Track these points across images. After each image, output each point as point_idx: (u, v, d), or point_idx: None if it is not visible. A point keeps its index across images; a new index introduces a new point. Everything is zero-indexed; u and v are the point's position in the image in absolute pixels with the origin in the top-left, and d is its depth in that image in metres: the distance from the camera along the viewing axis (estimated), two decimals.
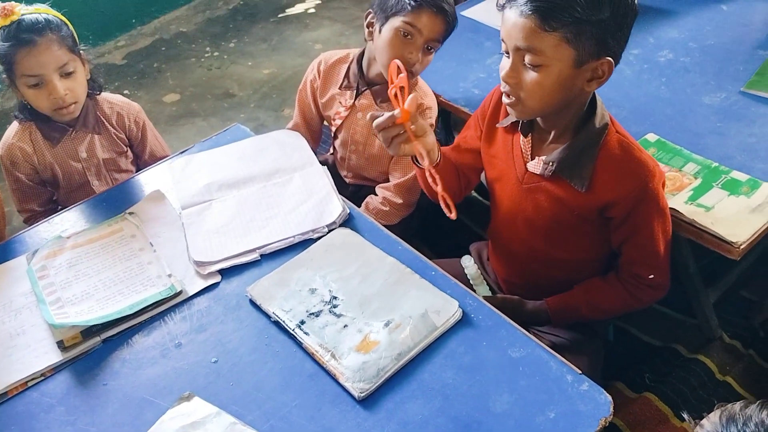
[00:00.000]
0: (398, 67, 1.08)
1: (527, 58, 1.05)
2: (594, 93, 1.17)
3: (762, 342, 1.57)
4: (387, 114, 1.10)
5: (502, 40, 1.09)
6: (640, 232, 1.21)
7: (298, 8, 3.48)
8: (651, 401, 1.45)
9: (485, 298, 1.31)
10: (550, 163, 1.18)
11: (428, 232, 1.94)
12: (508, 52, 1.09)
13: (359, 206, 1.69)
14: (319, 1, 3.54)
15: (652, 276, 1.24)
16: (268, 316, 1.14)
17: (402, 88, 1.09)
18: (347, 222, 1.33)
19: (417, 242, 1.90)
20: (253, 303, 1.16)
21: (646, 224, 1.20)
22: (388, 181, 1.71)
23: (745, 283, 1.73)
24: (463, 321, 1.11)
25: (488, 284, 1.49)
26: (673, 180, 1.40)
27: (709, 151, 1.47)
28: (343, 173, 1.83)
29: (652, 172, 1.16)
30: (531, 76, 1.07)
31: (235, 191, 1.40)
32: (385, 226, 1.68)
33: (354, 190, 1.81)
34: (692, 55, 1.82)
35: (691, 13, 2.02)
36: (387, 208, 1.67)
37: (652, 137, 1.53)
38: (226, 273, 1.24)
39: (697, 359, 1.54)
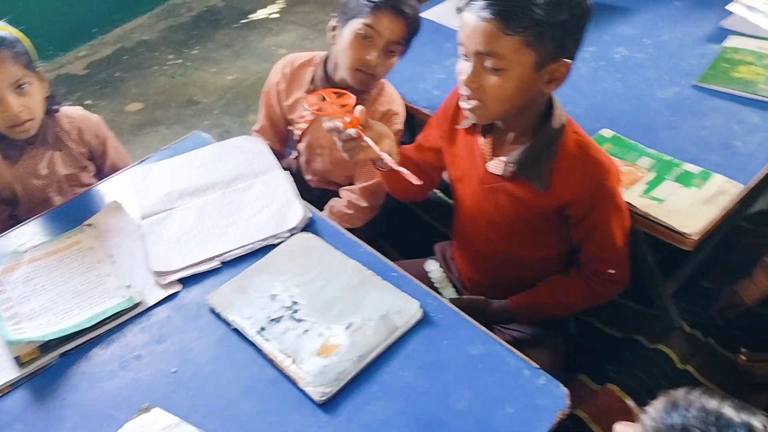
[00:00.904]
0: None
1: (488, 63, 1.06)
2: (551, 94, 1.19)
3: (720, 330, 1.60)
4: (337, 122, 1.14)
5: (461, 44, 1.10)
6: (598, 229, 1.23)
7: (261, 13, 3.47)
8: (614, 393, 1.47)
9: (451, 300, 1.32)
10: (510, 164, 1.20)
11: (394, 232, 1.95)
12: (467, 56, 1.10)
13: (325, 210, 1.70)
14: (283, 6, 3.53)
15: (611, 271, 1.27)
16: (228, 324, 1.13)
17: (340, 95, 1.14)
18: (309, 226, 1.33)
19: (383, 243, 1.92)
20: (213, 311, 1.16)
21: (604, 221, 1.22)
22: (353, 184, 1.71)
23: (704, 273, 1.77)
24: (424, 321, 1.12)
25: (453, 283, 1.50)
26: (627, 174, 1.43)
27: (662, 144, 1.50)
28: (308, 177, 1.83)
29: (608, 171, 1.18)
30: (492, 80, 1.07)
31: (195, 199, 1.40)
32: (349, 229, 1.70)
33: (319, 195, 1.81)
34: (646, 51, 1.85)
35: (645, 9, 2.05)
36: (352, 212, 1.68)
37: (607, 133, 1.56)
38: (186, 282, 1.23)
39: (658, 349, 1.57)
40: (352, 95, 1.20)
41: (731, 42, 1.80)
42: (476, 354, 1.06)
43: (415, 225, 1.97)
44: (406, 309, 1.13)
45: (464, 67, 1.09)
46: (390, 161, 1.16)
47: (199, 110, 2.80)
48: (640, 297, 1.68)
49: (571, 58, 1.10)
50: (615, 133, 1.55)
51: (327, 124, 1.18)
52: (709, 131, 1.53)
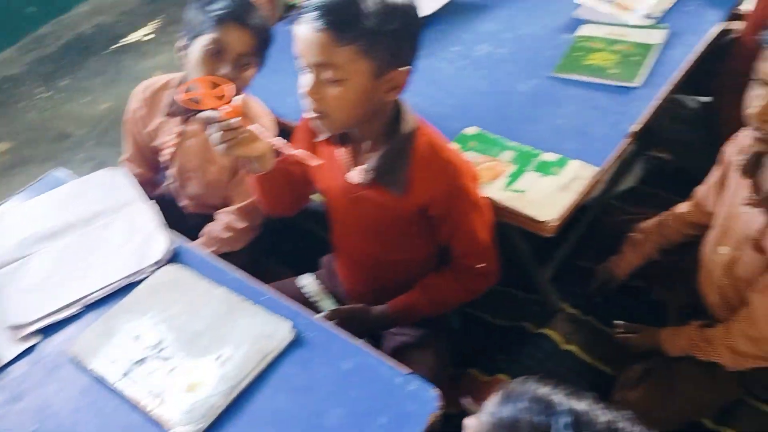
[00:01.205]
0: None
1: (327, 74, 1.06)
2: (398, 99, 1.21)
3: (598, 307, 1.68)
4: (212, 111, 1.11)
5: (299, 57, 1.10)
6: (460, 227, 1.26)
7: (134, 36, 3.36)
8: (503, 382, 1.50)
9: (331, 312, 1.32)
10: (367, 172, 1.21)
11: (283, 249, 1.93)
12: (306, 68, 1.10)
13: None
14: (158, 26, 3.43)
15: (480, 265, 1.30)
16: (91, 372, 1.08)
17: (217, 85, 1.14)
18: (176, 257, 1.29)
19: (271, 262, 1.90)
20: (75, 360, 1.10)
21: (464, 219, 1.25)
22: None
23: (580, 254, 1.84)
24: (297, 341, 1.11)
25: (338, 296, 1.50)
26: (491, 169, 1.47)
27: (523, 136, 1.56)
28: (184, 203, 1.78)
29: (460, 170, 1.22)
30: (333, 91, 1.08)
31: (53, 243, 1.33)
32: (232, 252, 1.66)
33: (198, 221, 1.76)
34: (507, 45, 1.91)
35: (504, 5, 2.12)
36: (230, 234, 1.64)
37: (472, 130, 1.60)
38: (47, 331, 1.17)
39: (543, 333, 1.63)
40: (230, 84, 1.17)
41: (583, 31, 1.89)
42: (348, 368, 1.06)
43: (304, 239, 1.95)
44: (277, 332, 1.11)
45: (305, 80, 1.09)
46: (283, 145, 1.15)
47: (72, 144, 2.67)
48: (524, 284, 1.73)
49: (409, 65, 1.12)
50: (479, 129, 1.60)
51: (202, 114, 1.13)
52: (566, 119, 1.59)
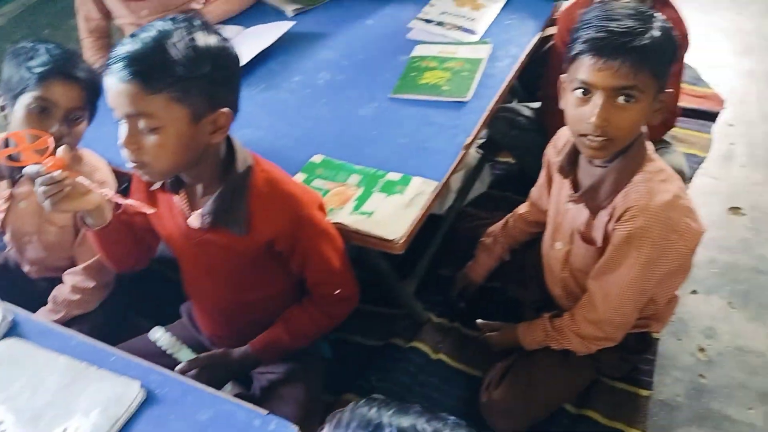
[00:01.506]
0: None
1: (141, 123, 1.04)
2: (231, 138, 1.20)
3: (463, 312, 1.75)
4: (36, 166, 1.06)
5: (112, 108, 1.07)
6: (311, 257, 1.27)
7: None
8: None
9: (188, 363, 1.28)
10: (206, 215, 1.19)
11: (144, 302, 1.86)
12: (121, 119, 1.07)
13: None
14: None
15: (338, 291, 1.32)
16: None
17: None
18: (13, 330, 1.20)
19: (132, 316, 1.82)
20: None
21: (313, 249, 1.27)
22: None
23: (441, 263, 1.92)
24: (149, 400, 1.07)
25: (201, 344, 1.47)
26: (339, 195, 1.50)
27: (368, 159, 1.60)
28: (27, 269, 1.67)
29: (301, 201, 1.23)
30: (150, 139, 1.05)
31: None
32: (86, 314, 1.57)
33: (45, 285, 1.65)
34: (346, 72, 1.97)
35: (341, 32, 2.19)
36: (79, 296, 1.56)
37: (318, 158, 1.62)
38: None
39: (413, 347, 1.67)
40: (50, 136, 1.13)
41: (417, 51, 1.98)
42: (205, 419, 1.03)
43: (165, 287, 1.88)
44: (126, 394, 1.06)
45: (121, 131, 1.06)
46: (114, 195, 1.12)
47: None
48: (389, 301, 1.77)
49: (232, 105, 1.12)
50: (324, 156, 1.63)
51: (27, 169, 1.08)
52: (407, 138, 1.66)
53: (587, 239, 1.32)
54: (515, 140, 2.07)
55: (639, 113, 1.13)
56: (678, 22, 1.71)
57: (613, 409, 1.50)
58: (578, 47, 1.13)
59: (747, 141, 2.31)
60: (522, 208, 1.65)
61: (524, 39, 1.99)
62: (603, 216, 1.25)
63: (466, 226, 1.86)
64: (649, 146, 1.24)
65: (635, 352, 1.50)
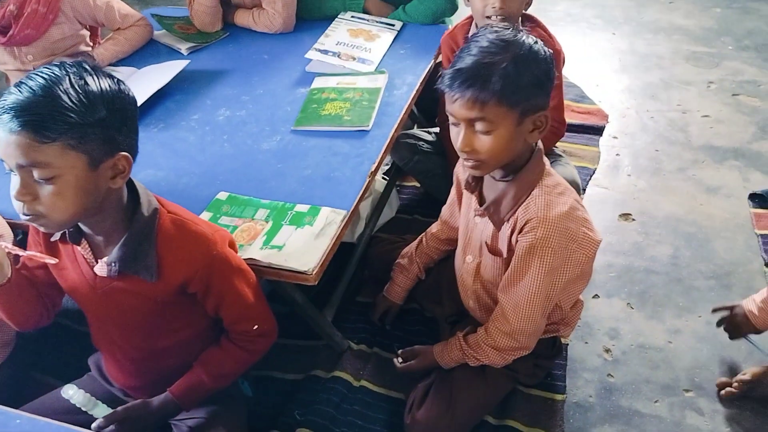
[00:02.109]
0: None
1: (36, 173, 1.00)
2: (133, 182, 1.19)
3: (384, 336, 1.78)
4: None
5: (3, 159, 1.03)
6: (226, 295, 1.27)
7: None
8: None
9: (105, 419, 1.24)
10: (113, 264, 1.17)
11: (49, 357, 1.77)
12: (13, 170, 1.04)
13: None
14: None
15: (256, 327, 1.32)
16: None
17: None
18: None
19: (36, 374, 1.73)
20: None
21: (227, 287, 1.26)
22: None
23: (356, 290, 1.95)
24: None
25: (115, 397, 1.42)
26: (247, 230, 1.50)
27: (275, 193, 1.61)
28: None
29: (212, 240, 1.22)
30: (47, 189, 1.01)
31: None
32: None
33: None
34: (246, 107, 1.98)
35: (238, 68, 2.20)
36: None
37: (223, 195, 1.62)
38: None
39: (335, 376, 1.67)
40: None
41: (316, 83, 2.02)
42: None
43: (70, 341, 1.81)
44: None
45: (13, 182, 1.03)
46: (13, 247, 1.09)
47: None
48: (309, 333, 1.77)
49: (130, 149, 1.11)
50: (230, 193, 1.62)
51: None
52: (312, 169, 1.68)
53: (494, 251, 1.39)
54: (418, 165, 2.14)
55: (499, 140, 1.20)
56: (547, 39, 1.84)
57: (531, 417, 1.56)
58: (442, 81, 1.23)
59: (630, 151, 2.51)
60: (434, 227, 1.71)
61: (419, 66, 2.08)
62: (506, 229, 1.33)
63: (379, 251, 1.90)
64: (546, 161, 1.33)
65: (548, 357, 1.58)
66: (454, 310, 1.66)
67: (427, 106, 2.33)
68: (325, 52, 2.16)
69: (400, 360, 1.58)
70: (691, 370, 1.66)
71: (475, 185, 1.40)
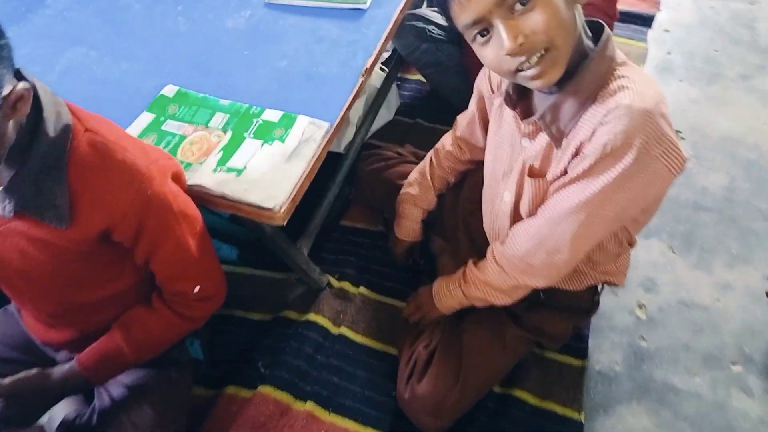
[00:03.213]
0: None
1: None
2: (35, 86, 0.85)
3: (371, 271, 1.51)
4: None
5: None
6: (160, 247, 0.98)
7: None
8: (267, 396, 1.29)
9: None
10: (6, 201, 0.86)
11: None
12: None
13: None
14: None
15: (197, 288, 1.04)
16: None
17: None
18: None
19: None
20: None
21: (163, 237, 0.97)
22: None
23: (343, 212, 1.65)
24: None
25: (33, 349, 1.16)
26: (198, 143, 1.18)
27: (238, 91, 1.27)
28: None
29: (147, 175, 0.91)
30: None
31: None
32: None
33: None
34: None
35: None
36: None
37: (170, 90, 1.28)
38: None
39: (309, 321, 1.42)
40: None
41: None
42: None
43: None
44: None
45: None
46: None
47: None
48: (279, 263, 1.49)
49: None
50: (180, 88, 1.28)
51: None
52: (289, 60, 1.33)
53: (535, 173, 1.05)
54: (426, 55, 1.77)
55: (548, 6, 0.85)
56: None
57: (543, 387, 1.32)
58: None
59: (684, 50, 2.12)
60: (448, 144, 1.37)
61: None
62: (569, 145, 0.96)
63: (369, 168, 1.57)
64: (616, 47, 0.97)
65: (586, 312, 1.29)
66: (474, 255, 1.36)
67: None
68: None
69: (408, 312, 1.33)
70: (741, 337, 1.40)
71: (518, 98, 1.04)
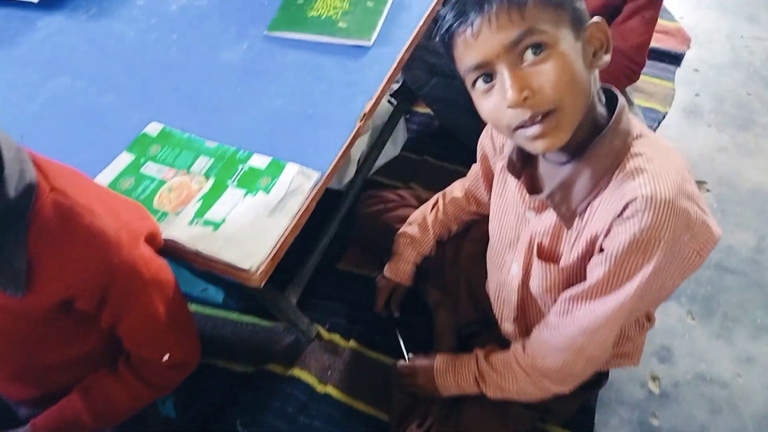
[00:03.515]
0: None
1: None
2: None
3: (365, 323, 1.41)
4: None
5: None
6: (128, 314, 0.90)
7: None
8: None
9: None
10: None
11: None
12: None
13: None
14: None
15: (167, 357, 0.96)
16: None
17: None
18: None
19: None
20: None
21: (132, 305, 0.90)
22: None
23: (339, 255, 1.56)
24: None
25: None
26: (178, 189, 1.10)
27: (226, 130, 1.19)
28: None
29: (114, 242, 0.83)
30: None
31: None
32: None
33: None
34: None
35: None
36: None
37: (154, 128, 1.20)
38: None
39: (293, 377, 1.33)
40: None
41: None
42: None
43: None
44: None
45: None
46: None
47: None
48: (265, 309, 1.41)
49: None
50: (164, 126, 1.20)
51: None
52: (285, 100, 1.24)
53: (546, 255, 0.96)
54: (435, 90, 1.68)
55: (562, 61, 0.76)
56: None
57: None
58: (443, 31, 0.82)
59: (714, 92, 2.00)
60: (457, 190, 1.29)
61: None
62: (580, 225, 0.87)
63: (369, 211, 1.47)
64: (632, 115, 0.88)
65: (593, 386, 1.17)
66: (474, 318, 1.27)
67: None
68: None
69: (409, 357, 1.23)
70: (764, 420, 1.29)
71: (522, 165, 0.96)
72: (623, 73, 1.49)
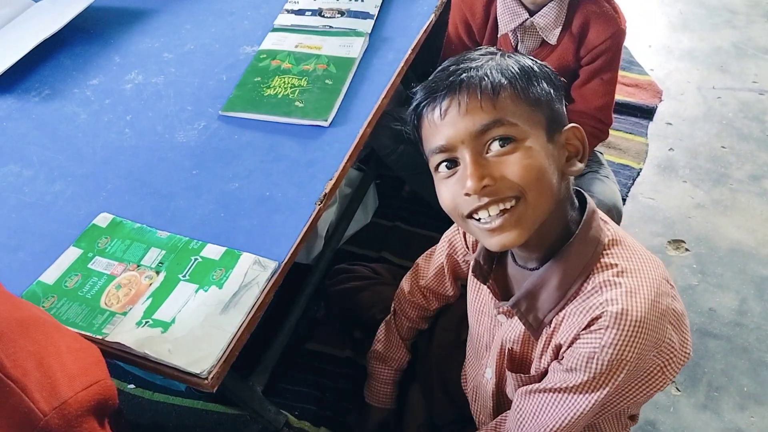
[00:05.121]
0: None
1: None
2: None
3: (336, 407, 1.37)
4: None
5: None
6: None
7: None
8: None
9: None
10: None
11: None
12: None
13: None
14: None
15: None
16: None
17: None
18: None
19: None
20: None
21: None
22: None
23: (309, 334, 1.52)
24: None
25: None
26: (127, 286, 1.06)
27: (180, 219, 1.17)
28: None
29: (42, 427, 0.71)
30: None
31: None
32: None
33: None
34: (167, 71, 1.50)
35: (168, 10, 1.69)
36: None
37: (104, 219, 1.17)
38: None
39: None
40: None
41: (268, 41, 1.53)
42: None
43: None
44: None
45: None
46: None
47: None
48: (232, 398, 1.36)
49: None
50: (114, 216, 1.17)
51: None
52: (241, 182, 1.23)
53: (516, 366, 0.93)
54: (404, 158, 1.66)
55: (530, 157, 0.75)
56: (612, 15, 1.37)
57: None
58: (411, 108, 0.84)
59: (688, 146, 2.01)
60: (407, 291, 1.23)
61: (412, 24, 1.57)
62: (548, 336, 0.85)
63: (339, 288, 1.44)
64: (604, 222, 0.86)
65: None
66: (452, 416, 1.23)
67: (425, 72, 1.83)
68: (301, 12, 1.61)
69: None
70: None
71: (488, 269, 0.93)
72: (591, 133, 1.49)
